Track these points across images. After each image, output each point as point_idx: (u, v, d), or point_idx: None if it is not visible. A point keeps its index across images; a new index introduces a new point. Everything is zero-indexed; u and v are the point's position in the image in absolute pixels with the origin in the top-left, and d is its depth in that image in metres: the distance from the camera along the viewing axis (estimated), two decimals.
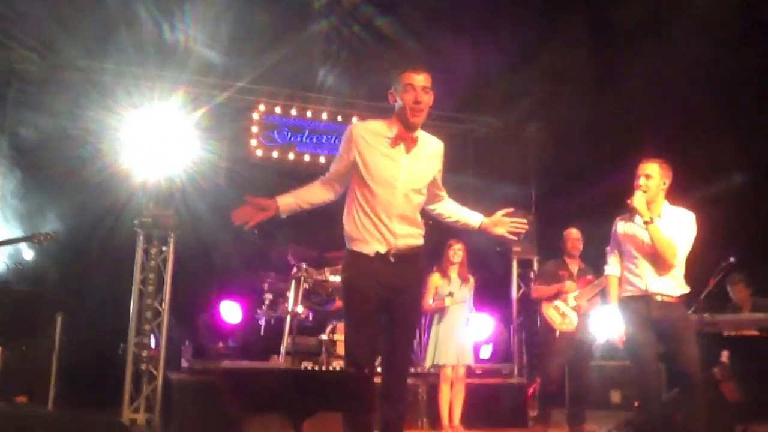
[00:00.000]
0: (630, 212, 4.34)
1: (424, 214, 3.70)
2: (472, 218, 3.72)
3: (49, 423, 2.57)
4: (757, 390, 5.66)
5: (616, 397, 7.75)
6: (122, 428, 2.45)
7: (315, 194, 3.55)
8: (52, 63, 7.64)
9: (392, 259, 3.38)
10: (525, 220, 3.91)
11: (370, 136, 3.41)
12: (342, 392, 2.95)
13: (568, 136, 8.51)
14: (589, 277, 6.15)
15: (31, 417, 2.70)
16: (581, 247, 6.28)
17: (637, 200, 4.19)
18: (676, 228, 4.24)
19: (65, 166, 6.82)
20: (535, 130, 9.45)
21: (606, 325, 6.41)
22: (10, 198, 6.55)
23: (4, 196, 6.59)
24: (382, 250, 3.38)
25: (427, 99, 3.38)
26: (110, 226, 6.66)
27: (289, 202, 3.51)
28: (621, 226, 4.46)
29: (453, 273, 6.10)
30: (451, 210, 3.74)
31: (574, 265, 6.25)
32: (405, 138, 3.39)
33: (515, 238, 3.90)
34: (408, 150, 3.40)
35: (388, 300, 3.39)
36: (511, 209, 3.77)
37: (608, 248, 4.65)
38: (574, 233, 6.31)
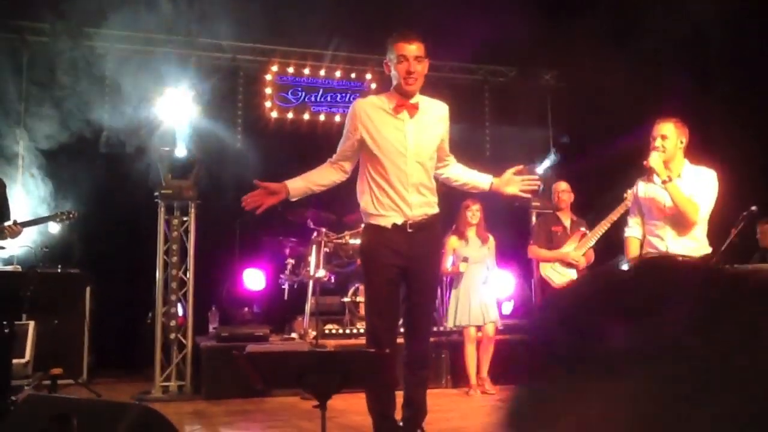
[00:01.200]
0: (648, 173, 4.30)
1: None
2: (482, 180, 3.72)
3: (83, 408, 2.65)
4: None
5: None
6: (153, 413, 2.52)
7: (324, 176, 3.57)
8: (63, 33, 7.61)
9: (409, 230, 3.42)
10: (536, 177, 3.90)
11: (372, 111, 3.44)
12: (364, 371, 3.03)
13: (586, 86, 8.37)
14: (583, 229, 6.13)
15: (66, 402, 2.79)
16: (571, 200, 6.25)
17: (654, 160, 4.14)
18: (696, 186, 4.19)
19: (82, 140, 6.86)
20: (551, 78, 9.33)
21: None
22: (33, 175, 6.62)
23: (28, 172, 6.66)
24: (399, 221, 3.42)
25: (421, 68, 3.40)
26: (131, 198, 6.74)
27: (298, 186, 3.52)
28: (641, 188, 4.42)
29: (471, 233, 6.11)
30: (459, 174, 3.74)
31: (566, 218, 6.23)
32: (406, 106, 3.43)
33: (527, 196, 3.89)
34: (411, 116, 3.44)
35: (406, 269, 3.44)
36: (521, 166, 3.77)
37: (629, 210, 4.63)
38: (562, 185, 6.28)
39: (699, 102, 6.73)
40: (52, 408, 2.81)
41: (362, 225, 3.68)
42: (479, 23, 8.22)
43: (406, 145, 3.41)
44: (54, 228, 6.36)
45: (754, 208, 5.31)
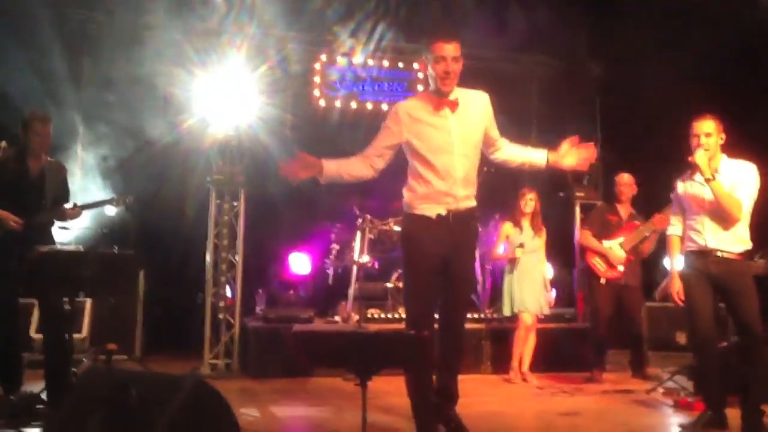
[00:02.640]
0: (690, 170, 4.31)
1: (489, 163, 3.83)
2: (538, 157, 3.75)
3: (140, 379, 2.86)
4: None
5: (681, 338, 7.78)
6: (206, 386, 2.71)
7: (356, 168, 3.67)
8: (120, 20, 7.87)
9: (452, 221, 3.53)
10: (592, 145, 3.82)
11: (415, 112, 3.58)
12: (404, 352, 3.17)
13: (634, 78, 8.31)
14: (638, 222, 6.16)
15: (124, 373, 2.99)
16: (633, 193, 6.29)
17: (700, 157, 4.15)
18: (736, 181, 4.20)
19: (139, 124, 7.12)
20: (599, 70, 9.26)
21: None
22: (92, 157, 6.91)
23: (86, 154, 6.95)
24: (444, 212, 3.53)
25: (457, 67, 3.51)
26: (183, 183, 6.98)
27: (331, 168, 3.62)
28: (681, 186, 4.46)
29: (525, 223, 6.16)
30: (515, 154, 3.79)
31: (624, 211, 6.28)
32: (446, 103, 3.54)
33: (586, 167, 3.87)
34: (453, 111, 3.55)
35: (446, 257, 3.55)
36: (576, 137, 3.77)
37: (671, 208, 4.66)
38: (625, 178, 6.30)
39: (740, 93, 6.65)
40: (112, 378, 3.02)
41: (402, 215, 3.77)
42: (523, 11, 8.24)
43: (451, 141, 3.53)
44: (111, 211, 6.64)
45: None
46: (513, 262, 6.07)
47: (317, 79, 8.78)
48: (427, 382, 3.56)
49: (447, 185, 3.52)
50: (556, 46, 8.94)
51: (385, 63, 8.95)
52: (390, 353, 3.08)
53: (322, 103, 8.75)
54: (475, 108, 3.64)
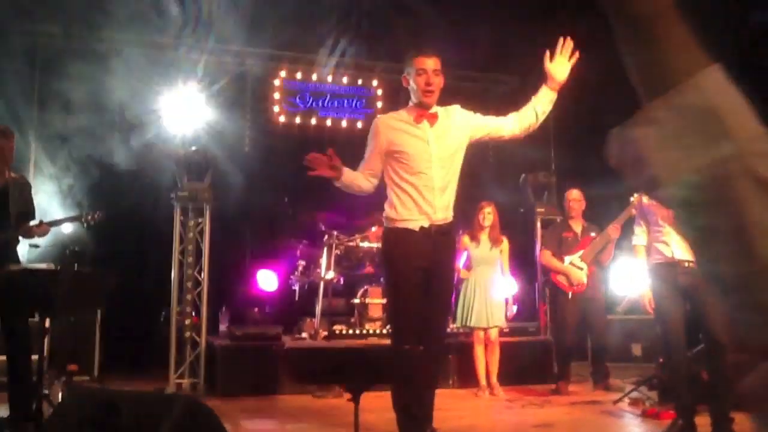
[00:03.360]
0: None
1: (515, 143, 3.84)
2: (541, 96, 3.66)
3: (128, 398, 2.78)
4: None
5: (636, 350, 7.99)
6: (199, 406, 2.65)
7: (361, 181, 3.68)
8: (74, 34, 7.71)
9: (433, 232, 3.57)
10: (567, 41, 3.65)
11: (395, 123, 3.63)
12: (398, 368, 3.18)
13: (588, 95, 8.54)
14: (593, 234, 6.33)
15: (111, 393, 2.91)
16: (583, 207, 6.45)
17: None
18: None
19: (96, 140, 6.97)
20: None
21: (627, 281, 6.65)
22: (47, 174, 6.73)
23: (41, 172, 6.76)
24: (426, 224, 3.57)
25: (438, 81, 3.58)
26: (144, 199, 6.85)
27: (349, 176, 3.62)
28: (645, 199, 4.60)
29: (483, 236, 6.24)
30: (527, 114, 3.70)
31: (577, 225, 6.44)
32: (425, 116, 3.60)
33: (575, 57, 3.64)
34: (431, 125, 3.61)
35: (427, 270, 3.57)
36: (551, 50, 3.64)
37: (635, 219, 4.81)
38: (574, 194, 6.47)
39: None
40: (98, 398, 2.94)
41: (383, 229, 3.78)
42: (481, 32, 8.40)
43: (430, 151, 3.58)
44: (67, 228, 6.46)
45: None
46: (460, 281, 6.10)
47: (277, 95, 8.77)
48: (414, 396, 3.57)
49: (426, 195, 3.56)
50: (511, 64, 9.15)
51: (345, 80, 8.99)
52: (383, 369, 3.08)
53: (282, 118, 8.73)
54: (453, 121, 3.69)
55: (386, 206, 3.71)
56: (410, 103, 3.70)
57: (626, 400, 5.57)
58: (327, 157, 3.54)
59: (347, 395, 3.12)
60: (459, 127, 3.69)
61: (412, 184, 3.57)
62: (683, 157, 1.15)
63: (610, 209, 6.60)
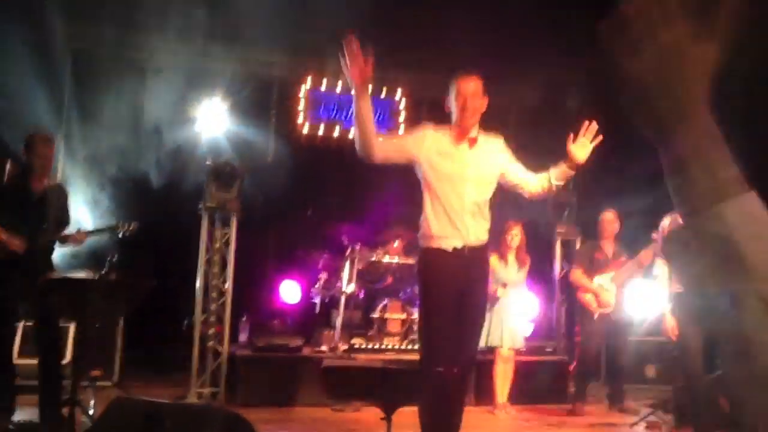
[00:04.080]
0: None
1: (536, 200, 3.89)
2: (560, 170, 3.69)
3: (172, 411, 2.86)
4: None
5: (651, 371, 8.04)
6: (239, 419, 2.73)
7: (372, 130, 3.56)
8: (108, 45, 7.82)
9: (467, 253, 3.63)
10: (592, 124, 3.73)
11: (437, 139, 3.69)
12: (429, 389, 3.25)
13: (609, 111, 8.58)
14: (623, 258, 6.38)
15: (154, 405, 2.99)
16: (617, 230, 6.49)
17: None
18: None
19: (124, 150, 7.08)
20: (574, 103, 9.53)
21: (643, 303, 6.69)
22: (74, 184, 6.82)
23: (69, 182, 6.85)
24: (459, 245, 3.62)
25: (477, 103, 3.63)
26: (171, 208, 6.93)
27: (368, 105, 3.58)
28: (669, 225, 4.67)
29: (510, 256, 6.29)
30: (542, 176, 3.75)
31: (609, 248, 6.48)
32: (465, 138, 3.67)
33: (598, 140, 3.72)
34: (471, 147, 3.68)
35: (461, 291, 3.62)
36: (571, 135, 3.72)
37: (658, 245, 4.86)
38: (608, 216, 6.51)
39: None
40: (142, 409, 3.01)
41: (419, 249, 3.83)
42: (508, 47, 8.45)
43: (465, 172, 3.65)
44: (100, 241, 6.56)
45: None
46: (493, 300, 6.13)
47: (301, 105, 8.85)
48: (442, 416, 3.63)
49: (459, 215, 3.62)
50: (534, 78, 9.20)
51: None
52: (417, 389, 3.16)
53: (305, 129, 8.81)
54: (491, 149, 3.77)
55: (421, 222, 3.75)
56: (452, 124, 3.76)
57: (643, 423, 5.60)
58: (365, 59, 3.47)
59: (379, 412, 3.21)
60: (496, 159, 3.76)
61: (446, 204, 3.64)
62: (704, 276, 1.27)
63: (628, 227, 6.67)
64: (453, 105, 3.67)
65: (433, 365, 3.52)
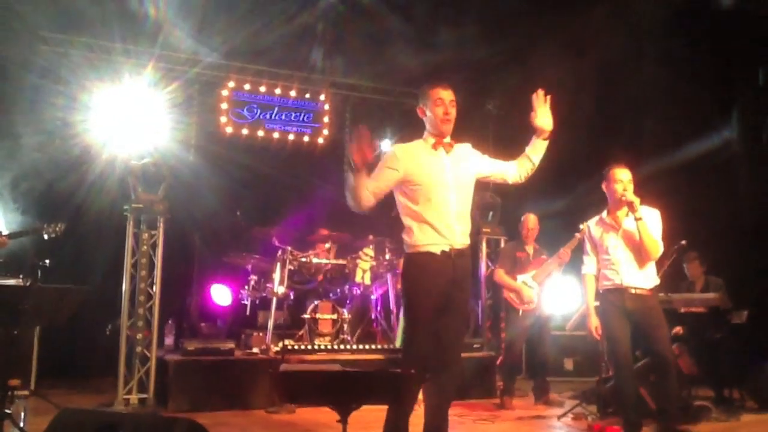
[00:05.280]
0: (629, 208, 4.66)
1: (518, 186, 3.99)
2: (535, 144, 3.82)
3: (127, 421, 2.78)
4: (701, 360, 6.31)
5: (569, 364, 8.41)
6: (200, 429, 2.69)
7: (365, 191, 3.65)
8: (17, 35, 7.45)
9: (453, 257, 3.67)
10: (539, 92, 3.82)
11: (412, 151, 3.74)
12: (386, 390, 3.28)
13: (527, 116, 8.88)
14: (544, 257, 6.66)
15: (107, 415, 2.90)
16: (537, 232, 6.78)
17: (633, 197, 4.60)
18: (649, 225, 4.68)
19: (43, 152, 6.78)
20: (493, 107, 9.78)
21: (559, 299, 6.97)
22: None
23: None
24: (447, 248, 3.66)
25: (454, 112, 3.74)
26: (97, 210, 6.69)
27: (364, 176, 3.64)
28: (595, 229, 4.90)
29: None
30: (521, 159, 3.88)
31: (530, 247, 6.76)
32: (442, 144, 3.75)
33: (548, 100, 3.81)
34: (447, 152, 3.75)
35: (447, 294, 3.66)
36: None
37: (583, 248, 5.09)
38: (531, 220, 6.77)
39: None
40: (94, 421, 2.90)
41: (404, 254, 3.80)
42: (424, 50, 8.61)
43: (446, 177, 3.70)
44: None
45: (683, 242, 5.89)
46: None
47: (224, 106, 8.72)
48: (406, 420, 3.67)
49: (444, 220, 3.66)
50: (453, 83, 9.39)
51: (293, 93, 9.03)
52: (373, 390, 3.18)
53: (228, 129, 8.69)
54: (465, 154, 3.85)
55: (404, 235, 3.75)
56: (425, 133, 3.80)
57: (570, 415, 5.83)
58: (369, 137, 3.54)
59: (318, 411, 3.21)
60: (470, 162, 3.84)
61: (432, 211, 3.66)
62: None
63: (546, 228, 6.96)
64: (431, 112, 3.72)
65: (414, 367, 3.51)
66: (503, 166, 3.91)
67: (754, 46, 7.79)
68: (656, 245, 4.62)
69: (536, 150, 3.85)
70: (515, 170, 3.90)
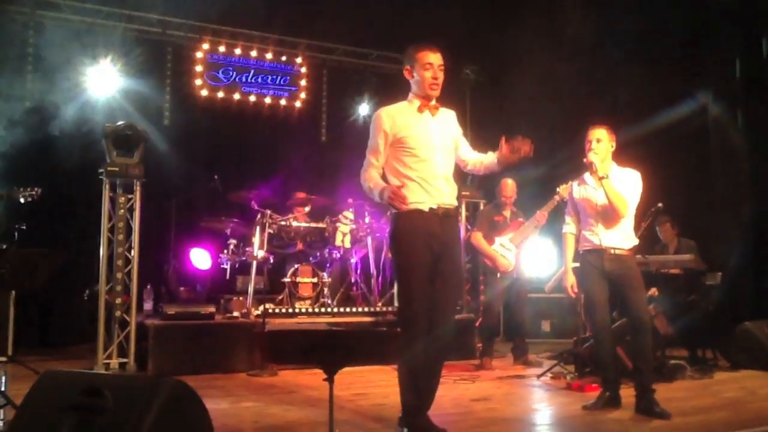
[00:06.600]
0: (588, 170, 4.72)
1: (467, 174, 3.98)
2: (491, 160, 3.82)
3: (112, 382, 2.75)
4: (675, 320, 6.44)
5: (546, 326, 8.54)
6: (184, 387, 2.68)
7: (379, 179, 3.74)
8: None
9: (441, 215, 3.68)
10: (525, 140, 3.76)
11: (397, 113, 3.73)
12: (373, 348, 3.31)
13: (506, 81, 8.88)
14: (521, 219, 6.72)
15: (91, 377, 2.87)
16: (515, 196, 6.82)
17: (593, 157, 4.63)
18: (624, 185, 4.72)
19: (15, 116, 6.63)
20: (471, 72, 9.76)
21: (537, 262, 7.05)
22: None
23: None
24: (435, 206, 3.67)
25: (442, 75, 3.73)
26: (71, 174, 6.57)
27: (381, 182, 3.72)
28: (576, 190, 4.93)
29: None
30: (478, 159, 3.90)
31: (507, 211, 6.81)
32: (428, 107, 3.74)
33: (530, 155, 3.78)
34: (433, 115, 3.75)
35: (438, 253, 3.66)
36: (506, 137, 3.76)
37: (566, 209, 5.12)
38: (509, 184, 6.81)
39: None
40: (78, 383, 2.86)
41: (391, 213, 3.79)
42: (408, 15, 8.53)
43: (432, 138, 3.71)
44: None
45: (660, 205, 5.95)
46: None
47: (199, 68, 8.57)
48: (425, 379, 3.70)
49: (431, 180, 3.67)
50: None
51: (269, 56, 8.90)
52: (358, 350, 3.20)
53: (204, 92, 8.55)
54: (450, 120, 3.87)
55: None
56: (411, 95, 3.79)
57: (549, 374, 5.93)
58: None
59: (297, 374, 3.23)
60: (453, 130, 3.87)
61: (417, 171, 3.67)
62: None
63: (524, 193, 7.00)
64: (419, 74, 3.70)
65: (412, 325, 3.56)
66: (470, 154, 3.92)
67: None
68: (624, 202, 4.65)
69: (489, 166, 3.85)
70: (472, 162, 3.92)
